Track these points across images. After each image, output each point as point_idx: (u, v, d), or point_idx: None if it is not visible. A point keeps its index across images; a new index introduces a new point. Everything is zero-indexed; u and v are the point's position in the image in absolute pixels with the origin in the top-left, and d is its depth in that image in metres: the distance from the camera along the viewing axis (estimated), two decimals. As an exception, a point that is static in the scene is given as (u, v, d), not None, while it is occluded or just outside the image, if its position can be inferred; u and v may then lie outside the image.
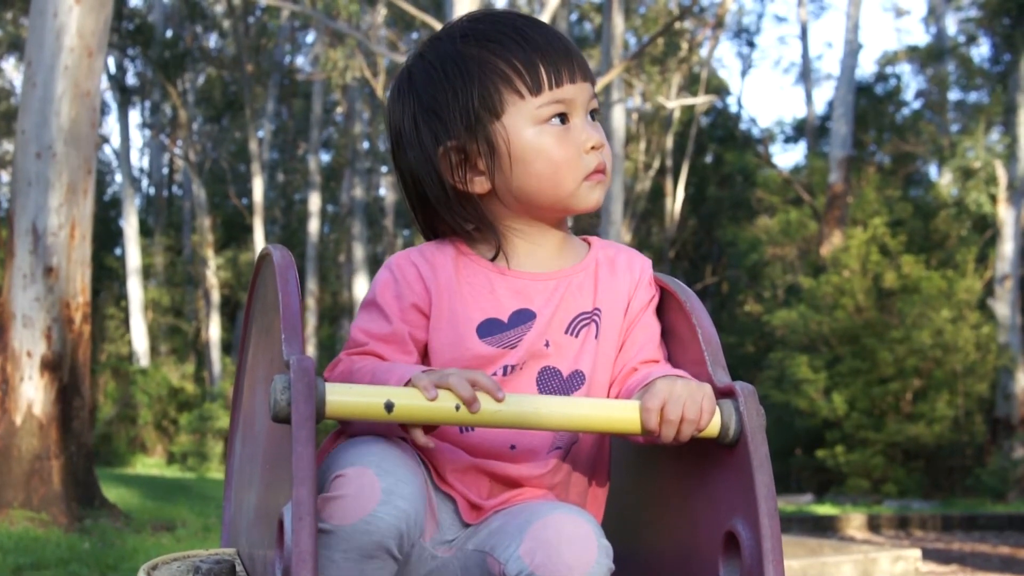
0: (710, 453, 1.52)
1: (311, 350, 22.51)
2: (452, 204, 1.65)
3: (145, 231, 25.85)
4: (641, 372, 1.64)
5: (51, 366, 7.54)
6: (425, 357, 1.64)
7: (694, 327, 1.57)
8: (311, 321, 23.95)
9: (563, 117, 1.63)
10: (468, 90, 1.61)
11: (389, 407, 1.36)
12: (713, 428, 1.46)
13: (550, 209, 1.65)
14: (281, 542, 1.30)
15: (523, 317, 1.64)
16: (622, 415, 1.49)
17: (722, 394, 1.49)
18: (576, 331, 1.65)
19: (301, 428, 1.29)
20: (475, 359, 1.61)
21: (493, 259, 1.66)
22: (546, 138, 1.61)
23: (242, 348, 1.81)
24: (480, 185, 1.64)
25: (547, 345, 1.64)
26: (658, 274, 1.71)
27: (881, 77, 27.59)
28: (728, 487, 1.47)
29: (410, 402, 1.38)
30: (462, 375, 1.44)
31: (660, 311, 1.70)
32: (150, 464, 18.87)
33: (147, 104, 26.51)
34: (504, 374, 1.62)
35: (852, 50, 20.57)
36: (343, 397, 1.35)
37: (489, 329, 1.63)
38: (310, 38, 27.80)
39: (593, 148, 1.63)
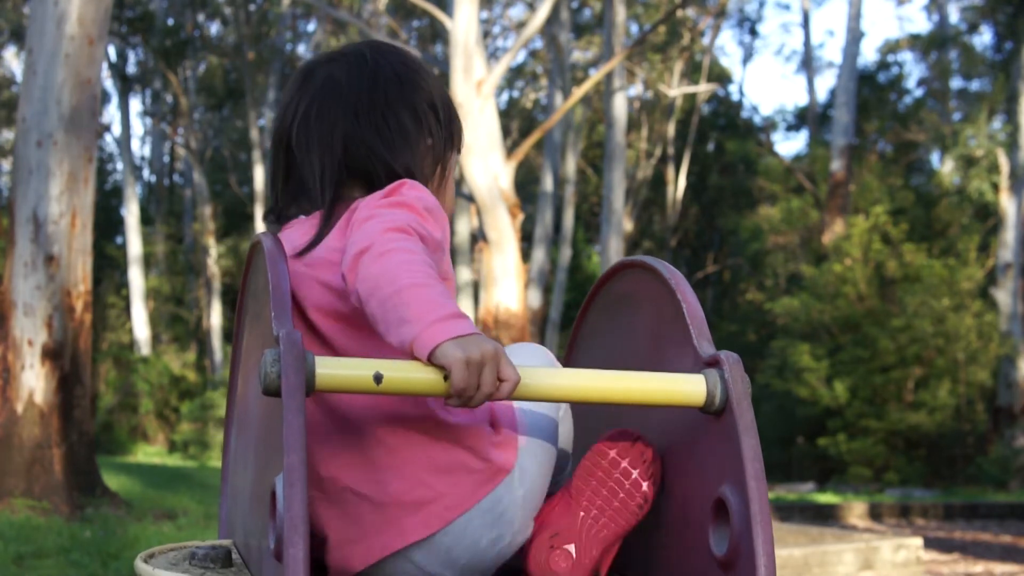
0: (697, 423, 1.53)
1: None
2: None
3: (146, 219, 25.81)
4: None
5: (52, 355, 7.53)
6: None
7: (679, 302, 1.58)
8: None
9: None
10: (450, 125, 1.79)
11: (378, 379, 1.36)
12: (699, 397, 1.47)
13: None
14: (274, 513, 1.31)
15: None
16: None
17: (707, 364, 1.50)
18: None
19: (291, 397, 1.30)
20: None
21: None
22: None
23: (235, 342, 1.81)
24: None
25: None
26: (639, 256, 1.72)
27: (883, 65, 27.53)
28: (716, 455, 1.48)
29: (398, 375, 1.36)
30: (493, 366, 1.36)
31: (644, 292, 1.71)
32: (151, 453, 18.86)
33: (148, 92, 26.46)
34: None
35: (854, 38, 20.52)
36: (332, 370, 1.35)
37: None
38: (312, 26, 27.73)
39: None
